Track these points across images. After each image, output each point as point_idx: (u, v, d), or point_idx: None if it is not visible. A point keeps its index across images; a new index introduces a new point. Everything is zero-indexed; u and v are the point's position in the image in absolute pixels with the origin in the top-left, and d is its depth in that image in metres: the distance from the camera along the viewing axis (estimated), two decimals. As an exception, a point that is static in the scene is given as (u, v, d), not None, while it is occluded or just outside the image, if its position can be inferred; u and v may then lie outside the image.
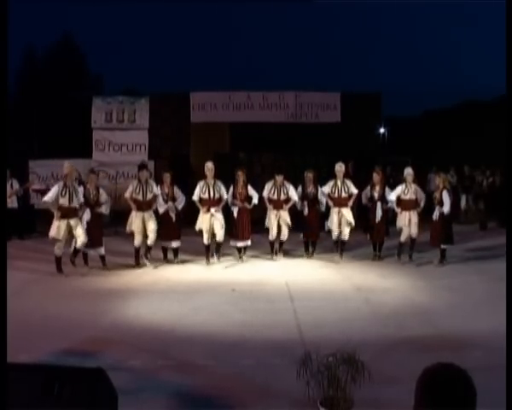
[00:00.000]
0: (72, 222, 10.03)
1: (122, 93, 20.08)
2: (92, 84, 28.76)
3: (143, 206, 10.88)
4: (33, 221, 15.39)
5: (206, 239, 11.05)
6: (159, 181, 11.65)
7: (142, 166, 12.07)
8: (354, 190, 11.55)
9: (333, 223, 11.43)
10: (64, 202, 10.00)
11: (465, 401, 1.94)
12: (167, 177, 11.37)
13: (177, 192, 11.20)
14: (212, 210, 10.94)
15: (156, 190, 11.14)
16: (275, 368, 5.64)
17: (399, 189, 11.24)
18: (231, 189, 11.28)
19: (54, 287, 9.17)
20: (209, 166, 11.34)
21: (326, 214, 11.87)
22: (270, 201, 11.51)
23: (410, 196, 11.08)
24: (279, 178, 11.60)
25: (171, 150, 17.41)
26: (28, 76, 29.01)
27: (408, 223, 10.97)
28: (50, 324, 7.09)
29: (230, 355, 6.11)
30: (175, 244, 11.17)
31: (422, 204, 11.13)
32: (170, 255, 11.24)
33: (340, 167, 11.61)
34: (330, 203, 11.49)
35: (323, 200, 11.61)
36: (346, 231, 11.43)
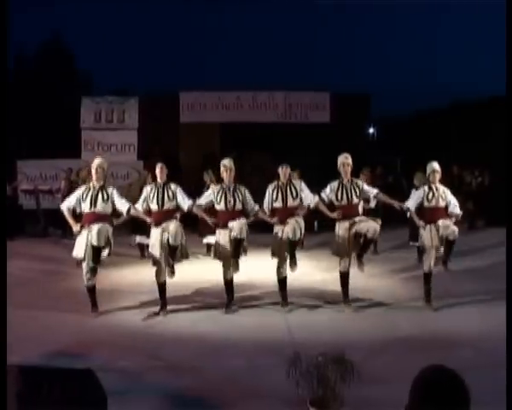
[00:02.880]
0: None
1: (111, 93, 20.01)
2: (81, 84, 28.62)
3: (161, 218, 7.89)
4: (22, 222, 15.30)
5: (227, 273, 8.01)
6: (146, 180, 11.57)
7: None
8: (373, 190, 8.33)
9: (339, 245, 7.93)
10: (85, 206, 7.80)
11: (458, 405, 1.95)
12: (148, 178, 11.24)
13: None
14: (231, 225, 7.81)
15: (179, 193, 8.09)
16: (264, 369, 5.63)
17: (420, 193, 8.18)
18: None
19: (42, 288, 9.13)
20: (227, 164, 8.08)
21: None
22: (274, 211, 8.18)
23: (436, 202, 8.02)
24: (284, 170, 8.25)
25: (161, 151, 17.38)
26: (16, 75, 28.84)
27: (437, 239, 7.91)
28: (39, 325, 7.06)
29: (220, 356, 6.11)
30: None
31: (457, 212, 8.20)
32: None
33: (345, 159, 8.04)
34: (335, 215, 7.98)
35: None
36: (375, 228, 7.86)
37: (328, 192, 8.03)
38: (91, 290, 7.75)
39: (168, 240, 7.67)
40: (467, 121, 24.71)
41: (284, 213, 8.01)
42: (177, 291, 8.26)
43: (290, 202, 8.07)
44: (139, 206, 8.03)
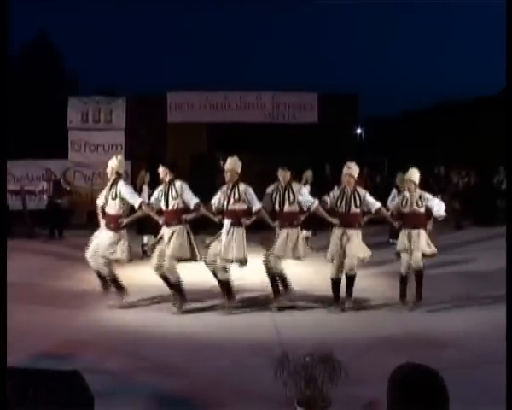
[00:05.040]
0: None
1: (99, 93, 19.93)
2: (68, 84, 28.47)
3: (168, 217, 7.92)
4: (8, 223, 15.19)
5: (220, 274, 7.98)
6: (135, 182, 11.60)
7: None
8: (376, 204, 8.18)
9: (333, 251, 8.06)
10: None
11: (436, 403, 1.96)
12: (143, 177, 11.30)
13: None
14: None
15: (186, 190, 8.00)
16: (252, 369, 5.64)
17: (399, 197, 8.46)
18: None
19: (27, 289, 9.06)
20: (233, 163, 8.06)
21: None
22: (273, 214, 8.16)
23: (410, 207, 8.12)
24: (284, 174, 8.14)
25: (148, 151, 17.32)
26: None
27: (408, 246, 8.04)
28: (25, 326, 7.01)
29: (207, 356, 6.10)
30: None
31: (442, 214, 8.18)
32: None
33: (348, 170, 8.14)
34: (333, 221, 8.08)
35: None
36: (352, 263, 7.97)
37: (331, 197, 8.13)
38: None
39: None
40: (453, 121, 24.88)
41: (280, 218, 8.04)
42: (165, 291, 8.22)
43: (286, 207, 8.02)
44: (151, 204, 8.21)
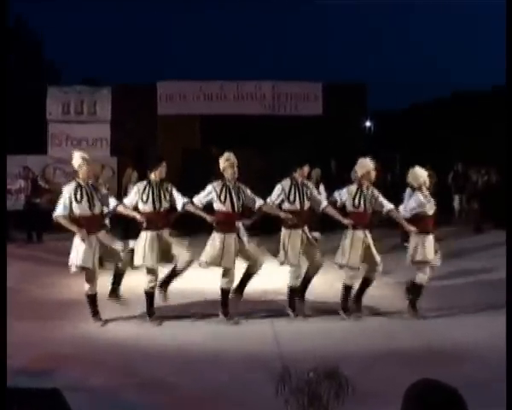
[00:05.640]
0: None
1: (81, 82, 19.94)
2: (48, 73, 28.47)
3: (157, 222, 7.89)
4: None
5: (225, 283, 8.00)
6: (121, 181, 11.62)
7: (157, 161, 8.25)
8: (388, 206, 8.26)
9: (351, 256, 8.03)
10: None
11: None
12: (131, 175, 11.31)
13: None
14: (240, 233, 8.11)
15: (174, 191, 8.10)
16: (250, 385, 5.64)
17: (419, 199, 8.24)
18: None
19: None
20: (231, 158, 8.08)
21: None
22: (288, 212, 8.12)
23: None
24: (303, 170, 8.30)
25: (136, 146, 17.29)
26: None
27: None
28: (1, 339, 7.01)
29: (201, 371, 6.11)
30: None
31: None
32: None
33: (366, 165, 8.20)
34: (347, 221, 8.09)
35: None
36: (376, 269, 8.17)
37: (343, 195, 8.21)
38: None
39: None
40: (470, 113, 24.84)
41: (301, 218, 8.11)
42: (156, 299, 8.20)
43: (306, 206, 8.20)
44: (129, 204, 8.06)
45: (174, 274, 8.04)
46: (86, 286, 7.77)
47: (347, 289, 8.18)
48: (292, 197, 8.13)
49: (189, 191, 8.18)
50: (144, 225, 7.81)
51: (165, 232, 7.91)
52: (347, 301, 8.18)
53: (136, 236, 10.55)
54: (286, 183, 8.24)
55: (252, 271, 8.14)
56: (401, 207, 8.40)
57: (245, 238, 8.08)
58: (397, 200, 8.63)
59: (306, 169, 8.36)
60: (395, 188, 13.74)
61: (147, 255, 7.79)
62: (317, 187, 12.20)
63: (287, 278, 8.30)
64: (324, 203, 8.28)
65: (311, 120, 17.31)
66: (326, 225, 9.97)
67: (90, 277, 7.70)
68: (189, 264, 7.89)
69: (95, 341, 7.10)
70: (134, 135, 17.30)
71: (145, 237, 7.85)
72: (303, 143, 16.37)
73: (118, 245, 7.93)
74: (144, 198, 7.85)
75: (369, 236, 8.13)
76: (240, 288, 8.17)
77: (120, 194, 11.97)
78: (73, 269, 7.68)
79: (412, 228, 8.15)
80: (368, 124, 28.65)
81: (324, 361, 4.61)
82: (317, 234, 12.67)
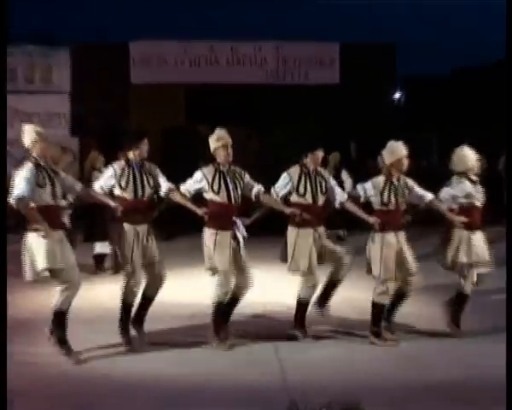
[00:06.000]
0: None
1: (32, 40, 19.88)
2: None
3: (137, 212, 7.94)
4: None
5: (222, 290, 7.95)
6: (84, 167, 11.58)
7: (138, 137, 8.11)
8: (428, 196, 8.31)
9: (383, 266, 8.02)
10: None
11: None
12: (96, 159, 11.36)
13: None
14: (238, 231, 8.10)
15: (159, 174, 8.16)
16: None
17: (465, 187, 8.40)
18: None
19: None
20: (224, 137, 8.11)
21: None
22: (297, 206, 8.17)
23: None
24: (316, 155, 8.36)
25: (103, 124, 17.26)
26: None
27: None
28: None
29: (190, 407, 6.13)
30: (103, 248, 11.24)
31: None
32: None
33: (397, 151, 8.22)
34: (373, 220, 8.14)
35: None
36: (414, 281, 8.19)
37: (368, 189, 8.20)
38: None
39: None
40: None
41: (314, 215, 8.12)
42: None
43: (321, 200, 8.26)
44: (99, 188, 7.98)
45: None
46: (56, 298, 7.50)
47: (378, 307, 8.09)
48: (302, 189, 8.14)
49: (171, 181, 8.17)
50: (119, 215, 7.77)
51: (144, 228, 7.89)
52: (380, 324, 8.10)
53: (102, 237, 10.61)
54: (294, 171, 8.25)
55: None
56: (441, 197, 8.40)
57: (241, 239, 8.05)
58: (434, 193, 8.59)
59: (320, 154, 8.32)
60: (432, 177, 13.71)
61: (135, 257, 7.77)
62: (337, 175, 12.24)
63: (294, 286, 8.31)
64: (343, 197, 8.28)
65: (326, 91, 17.34)
66: (352, 221, 9.90)
67: (66, 279, 7.44)
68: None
69: (46, 373, 7.03)
70: (100, 109, 17.33)
71: (130, 233, 7.80)
72: (315, 120, 16.37)
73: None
74: (123, 183, 7.80)
75: (402, 239, 8.11)
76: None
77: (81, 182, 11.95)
78: (30, 276, 7.42)
79: (461, 218, 8.17)
80: (397, 95, 28.55)
81: (341, 395, 4.67)
82: (341, 232, 12.80)
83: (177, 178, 8.29)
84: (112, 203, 7.84)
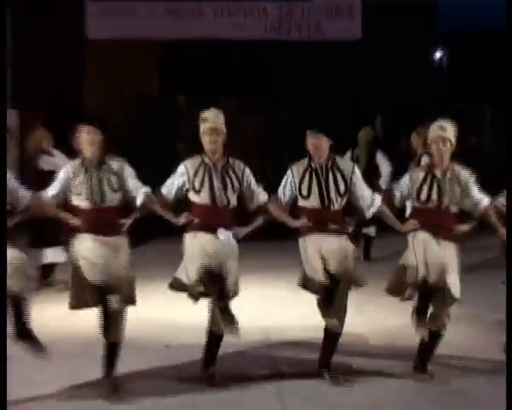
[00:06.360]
0: None
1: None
2: None
3: (99, 222, 7.83)
4: None
5: (216, 322, 7.81)
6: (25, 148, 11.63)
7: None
8: (483, 200, 8.03)
9: (417, 271, 7.82)
10: None
11: None
12: (42, 138, 11.45)
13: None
14: (221, 235, 7.86)
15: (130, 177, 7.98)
16: None
17: None
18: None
19: None
20: (211, 117, 7.93)
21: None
22: (305, 212, 8.04)
23: None
24: (317, 142, 7.90)
25: (50, 92, 17.17)
26: None
27: None
28: None
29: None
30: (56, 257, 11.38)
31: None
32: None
33: (441, 130, 7.86)
34: (409, 227, 8.02)
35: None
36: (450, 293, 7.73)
37: (405, 185, 8.00)
38: None
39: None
40: None
41: (321, 219, 7.86)
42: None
43: (335, 203, 7.86)
44: (52, 198, 7.79)
45: None
46: None
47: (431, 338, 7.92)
48: (305, 189, 7.91)
49: (141, 173, 7.98)
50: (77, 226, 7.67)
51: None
52: (426, 361, 7.99)
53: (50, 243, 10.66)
54: (299, 165, 8.03)
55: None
56: (501, 199, 8.17)
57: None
58: (490, 186, 8.37)
59: (317, 141, 7.84)
60: (483, 160, 13.61)
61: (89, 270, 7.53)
62: (371, 158, 12.38)
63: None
64: (376, 203, 7.94)
65: (345, 50, 17.32)
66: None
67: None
68: None
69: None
70: (47, 75, 17.20)
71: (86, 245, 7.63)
72: (330, 88, 16.33)
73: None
74: (78, 188, 7.67)
75: (448, 249, 7.77)
76: None
77: (23, 171, 12.00)
78: None
79: None
80: (438, 54, 28.60)
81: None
82: (372, 229, 12.87)
83: (150, 167, 8.19)
84: (72, 220, 7.78)
